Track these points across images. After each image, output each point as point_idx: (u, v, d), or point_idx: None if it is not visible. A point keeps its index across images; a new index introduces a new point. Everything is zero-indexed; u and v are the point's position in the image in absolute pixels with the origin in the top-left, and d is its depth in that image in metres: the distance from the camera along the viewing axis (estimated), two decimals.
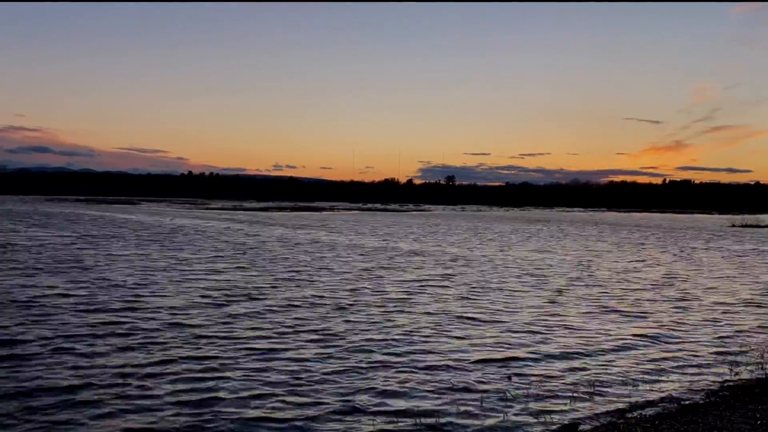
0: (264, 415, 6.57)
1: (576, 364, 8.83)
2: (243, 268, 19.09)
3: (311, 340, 9.76)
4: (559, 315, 12.52)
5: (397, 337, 10.20)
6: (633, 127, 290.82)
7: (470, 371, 8.35)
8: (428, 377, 8.02)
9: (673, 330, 11.32)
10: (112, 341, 9.31)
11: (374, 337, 10.15)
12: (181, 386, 7.35)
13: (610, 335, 10.76)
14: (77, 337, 9.52)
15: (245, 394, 7.18)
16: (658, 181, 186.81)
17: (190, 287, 14.79)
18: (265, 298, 13.52)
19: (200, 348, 9.08)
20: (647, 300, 14.73)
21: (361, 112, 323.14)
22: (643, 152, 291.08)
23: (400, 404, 6.99)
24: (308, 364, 8.44)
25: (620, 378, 8.17)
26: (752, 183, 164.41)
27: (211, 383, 7.49)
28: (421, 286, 16.16)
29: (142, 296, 13.32)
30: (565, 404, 7.11)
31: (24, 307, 11.68)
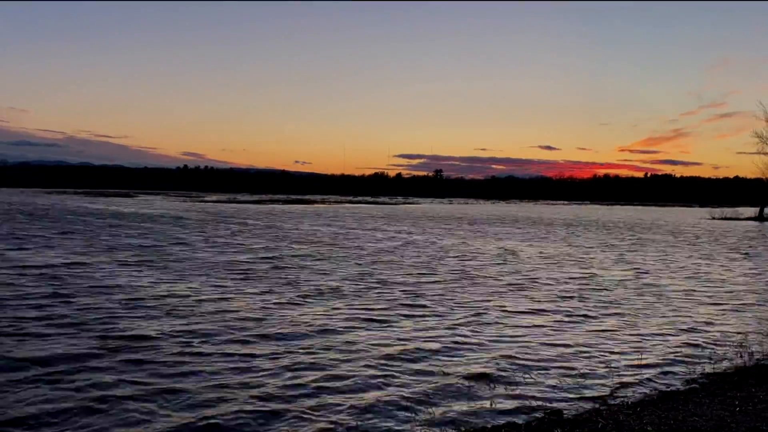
0: None
1: (560, 352, 8.94)
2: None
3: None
4: (544, 305, 12.64)
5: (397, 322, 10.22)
6: (633, 118, 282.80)
7: (457, 357, 8.43)
8: (416, 363, 8.08)
9: (654, 320, 11.48)
10: None
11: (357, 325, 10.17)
12: None
13: (594, 325, 10.89)
14: None
15: None
16: (641, 174, 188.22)
17: None
18: None
19: None
20: (626, 291, 14.92)
21: (350, 106, 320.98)
22: (639, 143, 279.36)
23: (386, 390, 7.04)
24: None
25: (603, 366, 8.28)
26: (732, 177, 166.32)
27: None
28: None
29: None
30: (550, 391, 7.20)
31: None
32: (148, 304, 11.31)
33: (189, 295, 12.32)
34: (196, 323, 9.91)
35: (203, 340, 8.90)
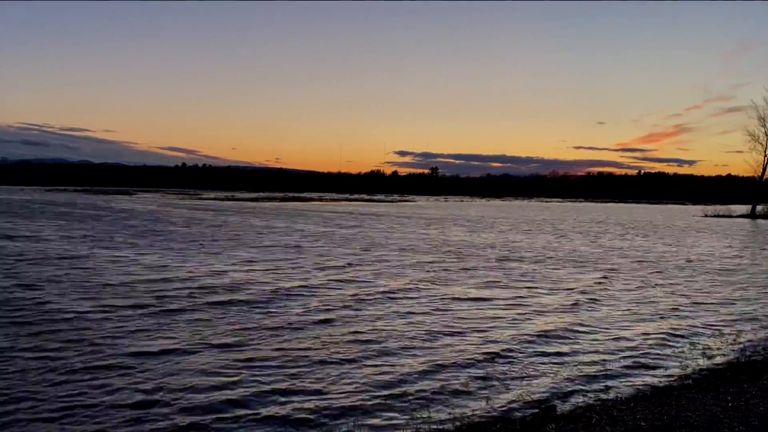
0: None
1: (555, 347, 9.00)
2: None
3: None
4: (538, 301, 12.68)
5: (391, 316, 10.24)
6: (634, 114, 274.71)
7: (454, 351, 8.47)
8: (412, 358, 8.12)
9: (647, 316, 11.53)
10: None
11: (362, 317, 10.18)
12: None
13: (588, 321, 10.94)
14: None
15: None
16: (634, 172, 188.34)
17: None
18: None
19: None
20: (620, 286, 14.98)
21: (348, 104, 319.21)
22: (640, 140, 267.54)
23: (382, 386, 7.06)
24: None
25: (597, 361, 8.34)
26: (724, 176, 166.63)
27: None
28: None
29: None
30: (544, 386, 7.25)
31: None
32: None
33: None
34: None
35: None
